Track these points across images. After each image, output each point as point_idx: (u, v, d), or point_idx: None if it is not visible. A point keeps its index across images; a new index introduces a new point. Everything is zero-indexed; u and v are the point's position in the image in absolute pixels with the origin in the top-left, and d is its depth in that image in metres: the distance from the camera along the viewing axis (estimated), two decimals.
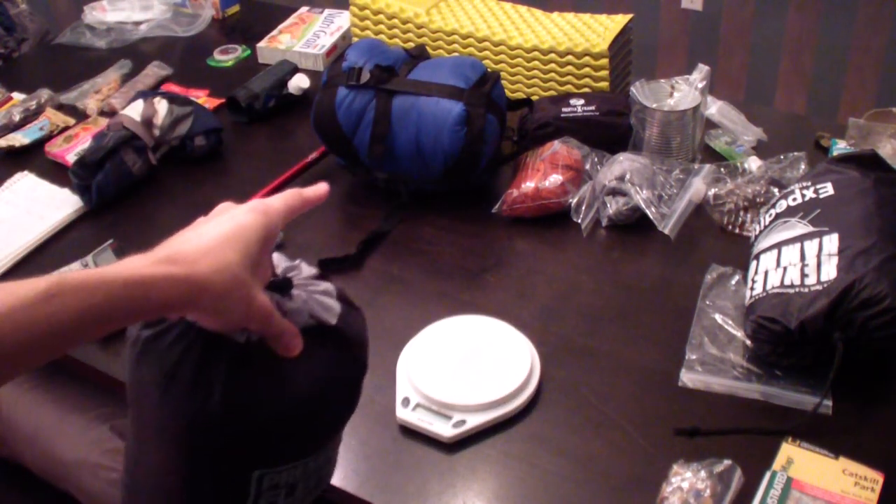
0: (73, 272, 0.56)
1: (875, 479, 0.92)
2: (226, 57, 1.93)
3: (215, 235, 0.63)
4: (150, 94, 1.57)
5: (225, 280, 0.61)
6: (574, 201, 1.34)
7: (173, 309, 0.61)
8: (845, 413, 1.01)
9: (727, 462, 0.93)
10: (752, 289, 1.09)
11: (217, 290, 0.60)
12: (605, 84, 1.53)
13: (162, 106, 1.52)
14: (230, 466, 0.68)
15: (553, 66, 1.56)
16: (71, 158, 1.55)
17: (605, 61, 1.51)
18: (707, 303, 1.16)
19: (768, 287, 1.05)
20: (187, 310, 0.62)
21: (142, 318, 0.62)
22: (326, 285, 0.74)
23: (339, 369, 0.72)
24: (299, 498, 0.74)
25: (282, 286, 0.70)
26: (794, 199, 1.13)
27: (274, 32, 1.96)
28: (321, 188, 0.73)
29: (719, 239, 1.30)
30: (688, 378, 1.07)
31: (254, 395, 0.66)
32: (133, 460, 0.75)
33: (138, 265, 0.59)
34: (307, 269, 0.74)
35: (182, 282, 0.59)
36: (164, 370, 0.65)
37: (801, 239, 1.07)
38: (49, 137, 1.66)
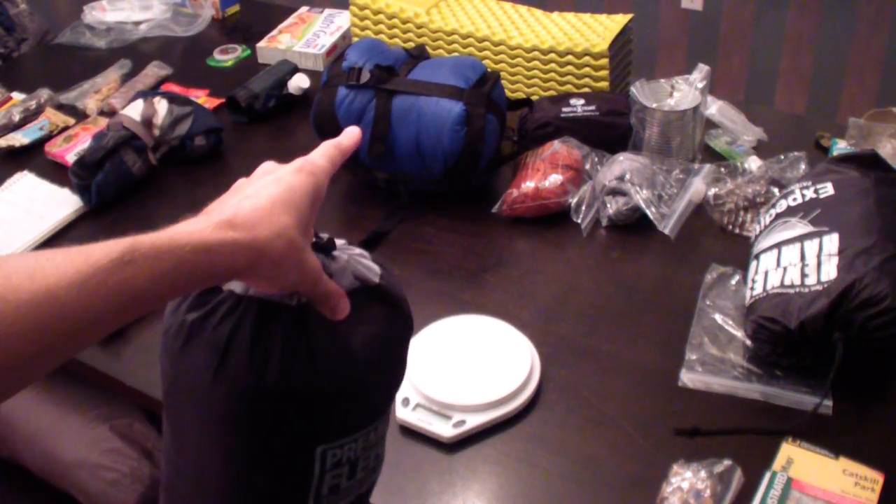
0: (143, 236, 0.53)
1: (875, 479, 0.92)
2: (226, 57, 1.93)
3: (268, 198, 0.60)
4: (149, 94, 1.57)
5: (282, 245, 0.59)
6: (574, 201, 1.34)
7: (236, 275, 0.60)
8: (845, 413, 1.01)
9: (727, 462, 0.93)
10: (752, 289, 1.09)
11: (275, 256, 0.59)
12: (605, 84, 1.53)
13: (162, 106, 1.52)
14: (292, 443, 0.65)
15: (553, 66, 1.56)
16: (71, 158, 1.55)
17: (605, 61, 1.51)
18: (707, 303, 1.16)
19: (768, 287, 1.05)
20: (247, 276, 0.60)
21: (206, 284, 0.60)
22: (360, 250, 0.72)
23: (390, 327, 0.69)
24: (360, 479, 0.71)
25: (325, 247, 0.68)
26: (794, 199, 1.13)
27: (274, 32, 1.96)
28: (354, 132, 0.71)
29: (719, 239, 1.30)
30: (688, 378, 1.07)
31: (312, 358, 0.63)
32: (171, 460, 0.72)
33: (202, 229, 0.56)
34: (337, 240, 0.72)
35: (245, 247, 0.57)
36: (216, 348, 0.62)
37: (801, 239, 1.07)
38: (49, 137, 1.66)
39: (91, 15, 2.11)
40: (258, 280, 0.61)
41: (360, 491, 0.73)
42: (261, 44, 1.92)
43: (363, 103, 1.36)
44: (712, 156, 1.48)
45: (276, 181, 0.63)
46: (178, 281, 0.54)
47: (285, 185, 0.62)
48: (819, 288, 0.99)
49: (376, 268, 0.71)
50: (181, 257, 0.54)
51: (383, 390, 0.71)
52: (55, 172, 1.56)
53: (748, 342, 1.09)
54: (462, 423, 1.01)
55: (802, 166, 1.35)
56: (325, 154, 0.68)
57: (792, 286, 1.02)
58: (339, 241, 0.71)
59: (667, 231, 1.30)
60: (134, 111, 1.51)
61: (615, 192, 1.32)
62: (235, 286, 0.65)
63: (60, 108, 1.77)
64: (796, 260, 1.05)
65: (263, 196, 0.61)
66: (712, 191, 1.34)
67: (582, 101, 1.45)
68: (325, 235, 0.69)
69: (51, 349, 0.50)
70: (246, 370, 0.62)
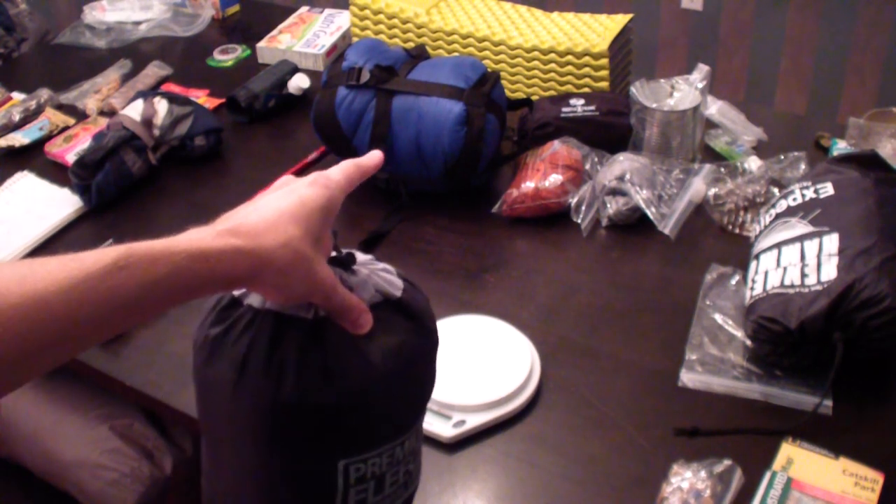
0: (139, 243, 0.54)
1: (875, 479, 0.92)
2: (226, 57, 1.93)
3: (277, 209, 0.61)
4: (150, 94, 1.57)
5: (287, 255, 0.59)
6: (574, 201, 1.34)
7: (238, 283, 0.60)
8: (845, 413, 1.01)
9: (727, 462, 0.93)
10: (752, 289, 1.09)
11: (279, 265, 0.59)
12: (605, 84, 1.53)
13: (162, 106, 1.52)
14: (313, 458, 0.65)
15: (553, 66, 1.56)
16: (71, 158, 1.55)
17: (605, 61, 1.51)
18: (707, 303, 1.16)
19: (768, 287, 1.05)
20: (251, 284, 0.61)
21: (207, 292, 0.60)
22: (384, 265, 0.72)
23: (411, 339, 0.68)
24: (389, 495, 0.70)
25: (345, 261, 0.68)
26: (794, 199, 1.13)
27: (274, 32, 1.96)
28: (376, 155, 0.71)
29: (719, 239, 1.30)
30: (688, 378, 1.07)
31: (327, 372, 0.63)
32: (209, 473, 0.72)
33: (202, 237, 0.57)
34: (360, 255, 0.72)
35: (247, 255, 0.57)
36: (234, 363, 0.63)
37: (801, 239, 1.07)
38: (49, 137, 1.66)
39: (91, 15, 2.11)
40: (264, 288, 0.62)
41: None
42: (261, 44, 1.92)
43: (363, 103, 1.36)
44: (712, 156, 1.48)
45: (287, 193, 0.63)
46: (174, 288, 0.54)
47: (297, 198, 0.63)
48: (819, 288, 0.99)
49: (399, 282, 0.71)
50: (176, 264, 0.54)
51: (407, 404, 0.70)
52: (55, 172, 1.56)
53: (748, 342, 1.09)
54: (462, 423, 1.01)
55: (802, 166, 1.35)
56: (343, 171, 0.68)
57: (792, 286, 1.02)
58: (364, 257, 0.71)
59: (667, 231, 1.30)
60: (134, 111, 1.51)
61: (615, 192, 1.33)
62: (254, 300, 0.65)
63: (60, 108, 1.77)
64: (796, 260, 1.05)
65: (272, 207, 0.61)
66: (712, 191, 1.34)
67: (582, 101, 1.45)
68: (345, 250, 0.69)
69: (40, 353, 0.50)
70: (263, 384, 0.63)
